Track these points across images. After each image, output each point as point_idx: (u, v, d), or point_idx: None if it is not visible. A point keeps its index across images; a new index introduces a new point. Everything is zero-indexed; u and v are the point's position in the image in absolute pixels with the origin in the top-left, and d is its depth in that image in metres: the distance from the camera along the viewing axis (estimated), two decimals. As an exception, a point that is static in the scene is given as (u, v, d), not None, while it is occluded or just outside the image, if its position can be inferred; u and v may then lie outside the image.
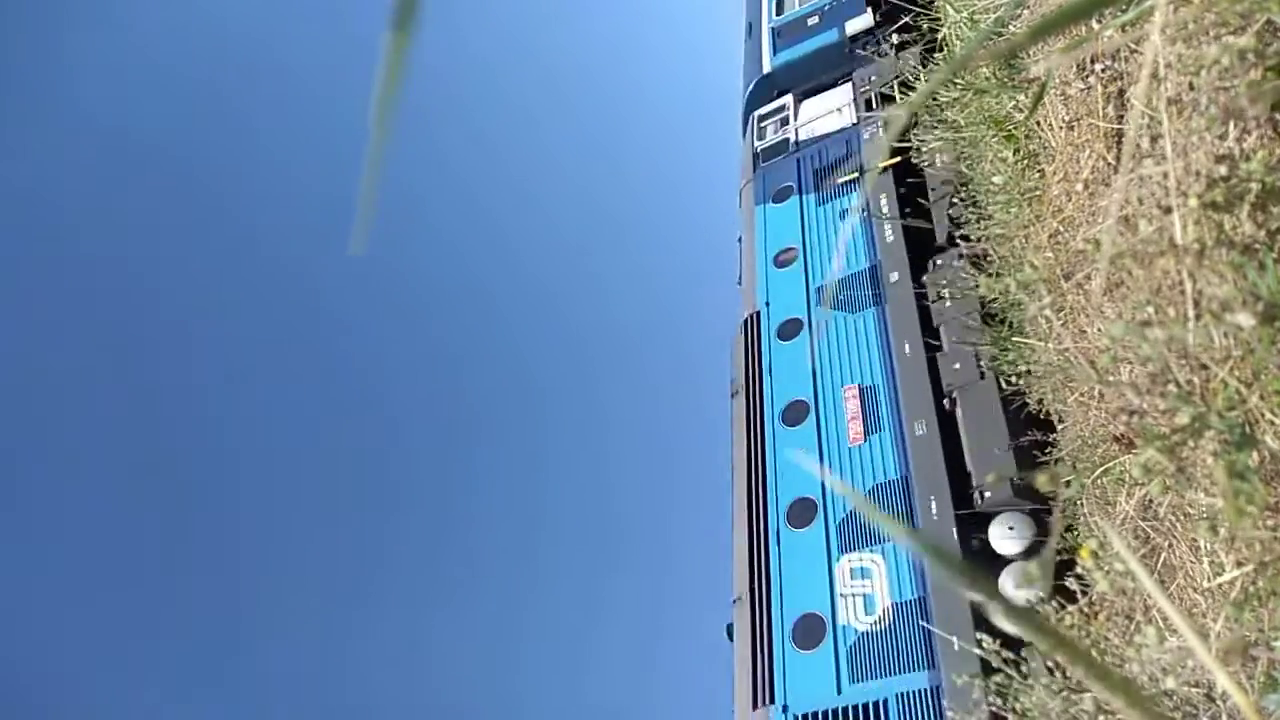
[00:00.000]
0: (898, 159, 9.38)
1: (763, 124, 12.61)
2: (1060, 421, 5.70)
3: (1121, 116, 3.61)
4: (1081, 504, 4.62)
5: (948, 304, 7.71)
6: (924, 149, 6.86)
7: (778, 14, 13.44)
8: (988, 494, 6.94)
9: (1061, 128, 4.26)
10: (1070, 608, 3.58)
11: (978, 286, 4.66)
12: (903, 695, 6.57)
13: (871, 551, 7.42)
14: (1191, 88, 2.27)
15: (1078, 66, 3.78)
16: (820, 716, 6.89)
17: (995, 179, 5.44)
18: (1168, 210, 2.10)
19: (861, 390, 8.46)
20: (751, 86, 13.46)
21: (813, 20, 12.67)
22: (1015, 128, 5.08)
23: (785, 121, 12.30)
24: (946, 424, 7.50)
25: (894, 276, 8.78)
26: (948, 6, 6.36)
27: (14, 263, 36.36)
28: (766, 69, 13.29)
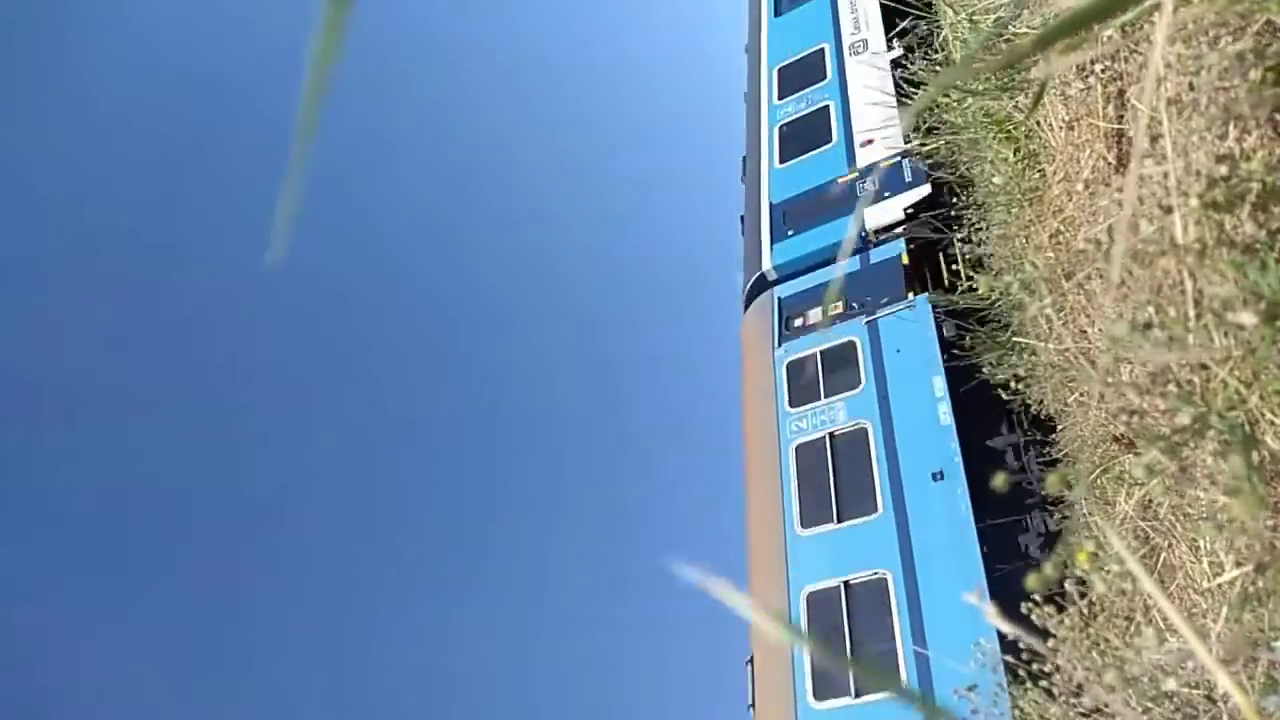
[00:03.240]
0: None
1: None
2: (1060, 421, 5.70)
3: (1121, 116, 3.61)
4: (1081, 504, 4.62)
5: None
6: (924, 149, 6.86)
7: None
8: None
9: (1061, 128, 4.26)
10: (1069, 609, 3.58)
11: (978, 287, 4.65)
12: None
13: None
14: (1191, 88, 2.27)
15: (1077, 67, 3.78)
16: None
17: (995, 179, 5.44)
18: (1168, 210, 2.10)
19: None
20: None
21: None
22: (1015, 128, 5.08)
23: None
24: None
25: None
26: (948, 9, 6.36)
27: (23, 255, 36.32)
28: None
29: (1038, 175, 4.86)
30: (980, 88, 5.10)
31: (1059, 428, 5.77)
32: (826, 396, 9.05)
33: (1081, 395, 4.58)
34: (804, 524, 8.31)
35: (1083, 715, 3.03)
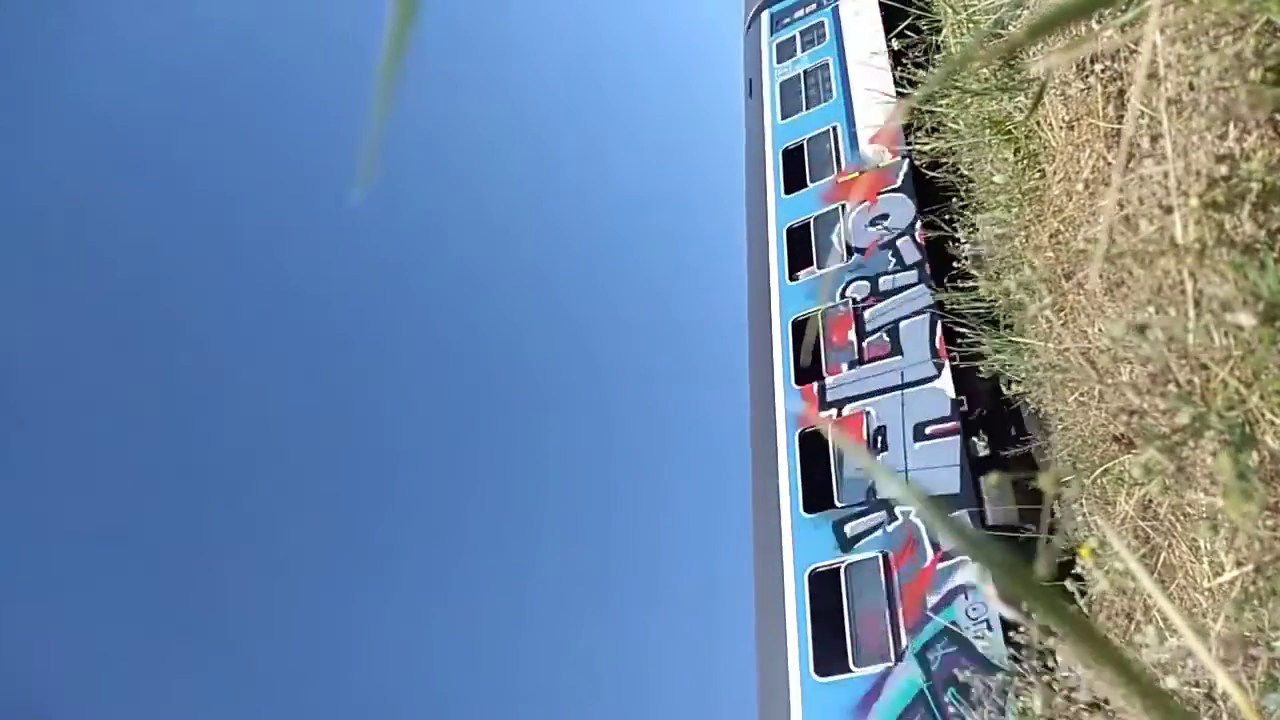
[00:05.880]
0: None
1: None
2: (1060, 421, 5.70)
3: (1121, 116, 3.61)
4: (1081, 504, 4.62)
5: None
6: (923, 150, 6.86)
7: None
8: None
9: (1061, 128, 4.26)
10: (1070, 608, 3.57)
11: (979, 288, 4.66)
12: None
13: None
14: (1191, 88, 2.27)
15: (1077, 66, 3.78)
16: None
17: (996, 179, 5.45)
18: (1168, 210, 2.10)
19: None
20: None
21: None
22: (1015, 128, 5.08)
23: None
24: None
25: None
26: (947, 8, 6.36)
27: (13, 257, 36.33)
28: None
29: (1038, 175, 4.86)
30: (979, 88, 5.10)
31: (1059, 428, 5.77)
32: None
33: (1081, 395, 4.58)
34: None
35: (1084, 710, 3.03)
